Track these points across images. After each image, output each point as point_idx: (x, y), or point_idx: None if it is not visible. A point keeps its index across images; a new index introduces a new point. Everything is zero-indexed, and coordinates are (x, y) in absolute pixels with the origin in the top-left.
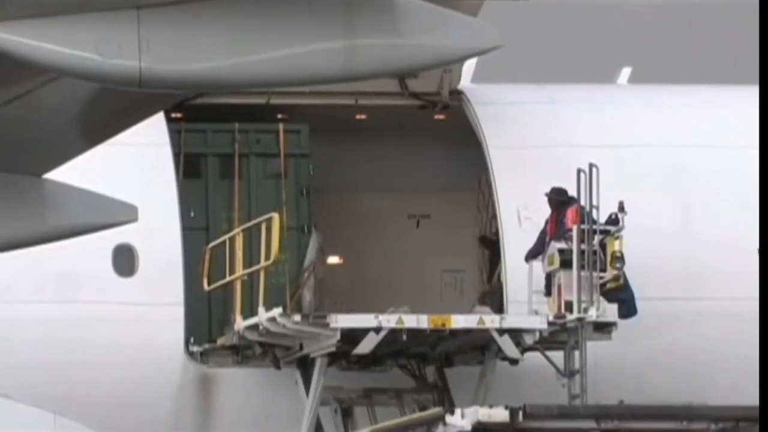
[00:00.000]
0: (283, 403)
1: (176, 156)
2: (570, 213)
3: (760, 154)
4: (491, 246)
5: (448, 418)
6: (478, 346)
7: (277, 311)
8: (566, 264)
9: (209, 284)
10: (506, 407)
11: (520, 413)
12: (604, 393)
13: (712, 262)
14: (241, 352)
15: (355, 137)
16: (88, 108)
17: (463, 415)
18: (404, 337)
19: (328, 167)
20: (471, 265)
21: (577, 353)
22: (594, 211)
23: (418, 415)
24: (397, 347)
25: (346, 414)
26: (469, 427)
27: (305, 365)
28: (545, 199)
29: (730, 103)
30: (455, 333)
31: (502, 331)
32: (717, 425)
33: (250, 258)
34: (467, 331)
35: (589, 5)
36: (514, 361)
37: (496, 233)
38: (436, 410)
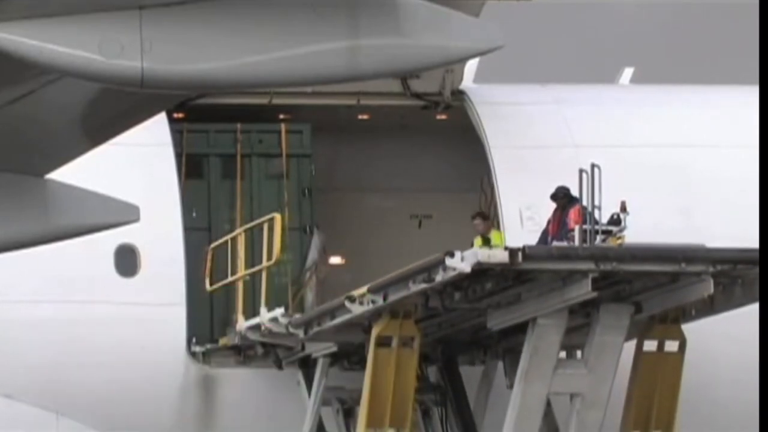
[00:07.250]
0: (285, 403)
1: (178, 156)
2: (572, 213)
3: (760, 153)
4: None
5: (448, 261)
6: (481, 346)
7: (279, 311)
8: None
9: (211, 284)
10: (506, 248)
11: (520, 254)
12: None
13: None
14: (243, 353)
15: (357, 137)
16: (90, 108)
17: (462, 258)
18: None
19: (330, 167)
20: None
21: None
22: (596, 211)
23: (418, 262)
24: None
25: (348, 414)
26: (469, 269)
27: (307, 365)
28: (547, 199)
29: (731, 103)
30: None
31: None
32: (715, 267)
33: (252, 258)
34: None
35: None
36: None
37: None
38: (436, 255)
